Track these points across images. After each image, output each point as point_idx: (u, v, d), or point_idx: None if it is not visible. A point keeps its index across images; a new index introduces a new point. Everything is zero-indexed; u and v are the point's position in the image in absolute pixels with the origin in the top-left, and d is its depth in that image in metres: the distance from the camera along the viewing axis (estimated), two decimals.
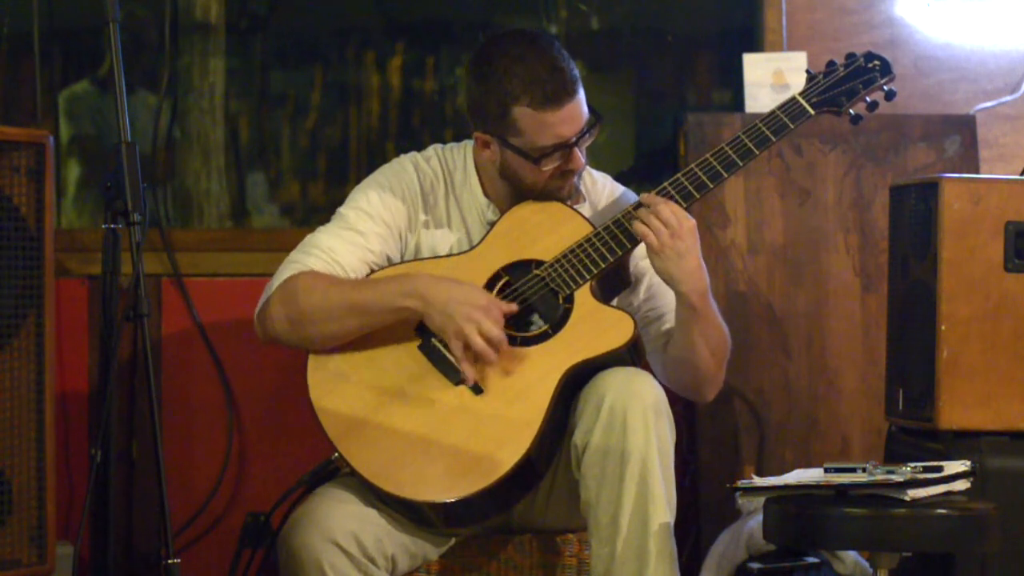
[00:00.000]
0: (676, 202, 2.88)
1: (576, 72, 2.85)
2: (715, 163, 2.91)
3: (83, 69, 4.03)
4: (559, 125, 2.83)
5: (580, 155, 2.89)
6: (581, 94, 2.85)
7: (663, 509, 2.71)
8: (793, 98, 2.95)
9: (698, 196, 2.90)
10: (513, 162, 2.90)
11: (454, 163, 3.03)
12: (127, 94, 2.81)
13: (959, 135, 3.84)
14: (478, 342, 2.77)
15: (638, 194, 3.01)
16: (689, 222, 2.84)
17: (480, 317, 2.78)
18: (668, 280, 2.84)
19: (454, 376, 2.84)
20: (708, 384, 2.97)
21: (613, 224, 2.89)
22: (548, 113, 2.82)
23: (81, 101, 4.03)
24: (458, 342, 2.79)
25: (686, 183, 2.90)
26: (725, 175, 2.91)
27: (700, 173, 2.90)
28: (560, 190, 2.92)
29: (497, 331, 2.78)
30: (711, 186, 2.90)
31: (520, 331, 2.86)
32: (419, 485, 2.76)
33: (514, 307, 2.84)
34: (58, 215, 3.88)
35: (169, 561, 2.71)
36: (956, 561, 3.02)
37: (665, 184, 2.91)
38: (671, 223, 2.82)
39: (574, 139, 2.85)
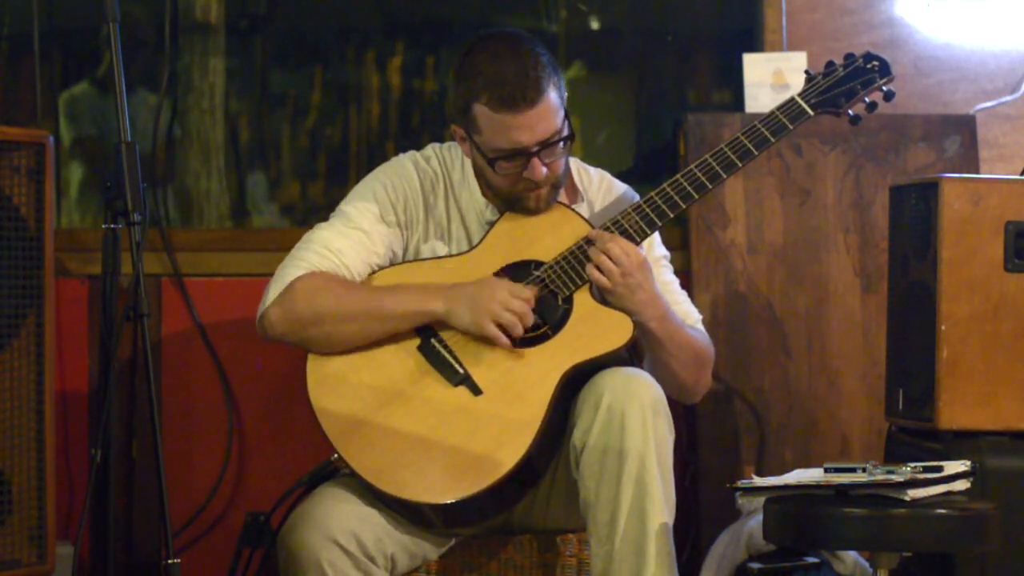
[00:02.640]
0: (677, 205, 2.89)
1: (545, 84, 2.80)
2: (714, 164, 2.91)
3: (83, 69, 4.03)
4: (515, 130, 2.81)
5: (541, 167, 2.85)
6: (547, 105, 2.81)
7: (661, 508, 2.71)
8: (792, 99, 2.95)
9: (697, 197, 2.90)
10: (478, 160, 2.91)
11: (452, 163, 3.03)
12: (127, 94, 2.81)
13: (959, 135, 3.84)
14: (509, 318, 2.80)
15: (639, 194, 3.02)
16: (639, 257, 2.85)
17: (505, 296, 2.81)
18: (625, 313, 2.85)
19: (453, 377, 2.85)
20: (689, 392, 2.99)
21: (612, 224, 2.89)
22: (504, 116, 2.80)
23: (81, 102, 4.03)
24: (492, 326, 2.81)
25: (685, 184, 2.90)
26: (724, 176, 2.91)
27: (699, 174, 2.90)
28: (525, 200, 2.90)
29: (519, 303, 2.81)
30: (710, 187, 2.90)
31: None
32: (419, 486, 2.76)
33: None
34: (58, 215, 3.88)
35: (169, 561, 2.71)
36: (956, 561, 3.02)
37: (664, 185, 2.91)
38: (621, 261, 2.83)
39: (534, 148, 2.83)
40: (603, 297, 2.87)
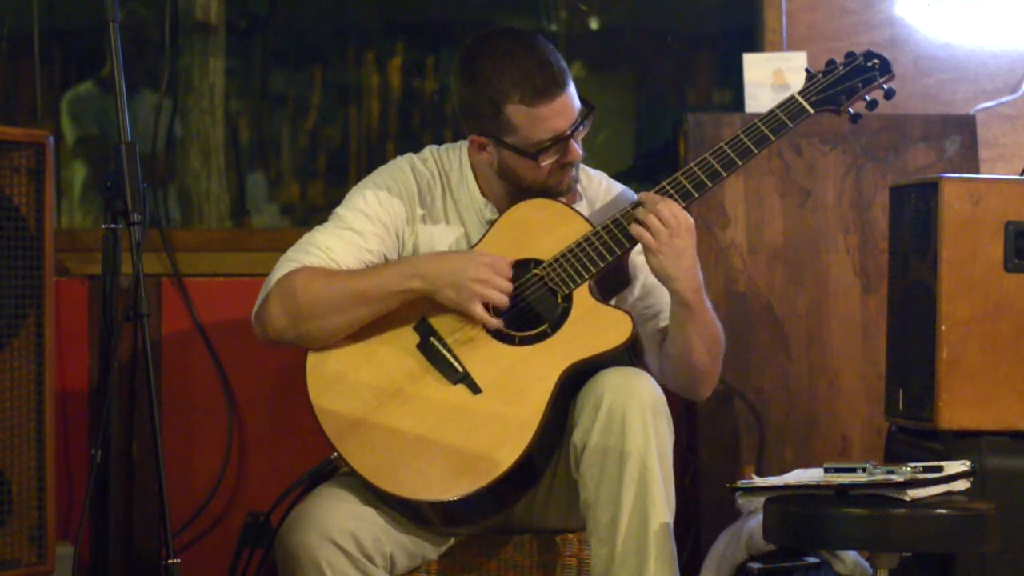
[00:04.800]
0: (675, 201, 2.88)
1: (564, 64, 2.86)
2: (714, 162, 2.91)
3: (84, 69, 4.03)
4: (553, 118, 2.83)
5: (577, 146, 2.89)
6: (571, 86, 2.86)
7: (662, 509, 2.71)
8: (792, 97, 2.94)
9: (697, 195, 2.90)
10: (511, 161, 2.90)
11: (450, 163, 3.03)
12: (127, 94, 2.81)
13: (959, 135, 3.84)
14: (494, 295, 2.81)
15: (637, 193, 3.02)
16: (688, 221, 2.85)
17: (487, 274, 2.81)
18: (663, 278, 2.85)
19: (453, 375, 2.85)
20: (703, 380, 2.97)
21: (612, 223, 2.89)
22: (541, 107, 2.82)
23: (85, 102, 4.04)
24: (475, 304, 2.81)
25: (685, 182, 2.90)
26: (724, 174, 2.91)
27: (699, 172, 2.90)
28: (560, 184, 2.93)
29: (505, 283, 2.82)
30: (710, 185, 2.90)
31: (519, 331, 2.86)
32: (418, 484, 2.76)
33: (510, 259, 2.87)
34: (58, 215, 3.88)
35: (169, 561, 2.71)
36: (956, 561, 3.01)
37: (664, 183, 2.91)
38: (670, 222, 2.82)
39: (569, 131, 2.86)
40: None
